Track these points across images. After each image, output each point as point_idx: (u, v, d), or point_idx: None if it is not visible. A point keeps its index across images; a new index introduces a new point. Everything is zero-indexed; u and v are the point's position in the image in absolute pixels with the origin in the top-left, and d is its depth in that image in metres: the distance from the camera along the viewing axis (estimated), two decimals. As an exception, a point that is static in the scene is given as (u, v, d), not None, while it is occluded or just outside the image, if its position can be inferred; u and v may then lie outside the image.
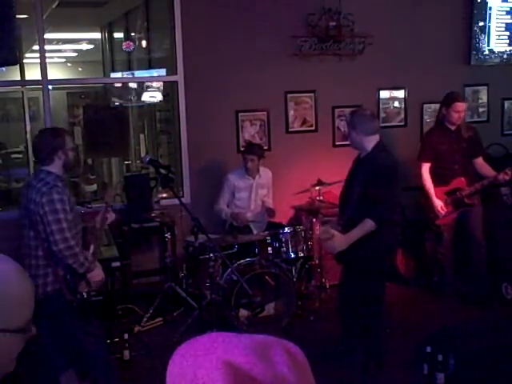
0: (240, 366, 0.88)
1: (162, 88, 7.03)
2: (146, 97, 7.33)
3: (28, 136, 7.60)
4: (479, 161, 5.49)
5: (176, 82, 6.11)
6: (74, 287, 3.46)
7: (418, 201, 5.64)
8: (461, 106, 5.38)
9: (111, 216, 3.84)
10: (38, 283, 3.44)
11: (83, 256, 3.42)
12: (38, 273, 3.45)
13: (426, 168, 5.47)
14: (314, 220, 5.58)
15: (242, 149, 5.93)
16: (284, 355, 0.91)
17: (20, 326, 1.20)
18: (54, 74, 7.43)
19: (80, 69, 11.09)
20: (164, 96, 7.02)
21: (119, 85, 7.85)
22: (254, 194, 5.70)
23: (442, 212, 5.40)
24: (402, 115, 6.82)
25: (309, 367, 0.95)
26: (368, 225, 3.87)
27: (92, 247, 3.64)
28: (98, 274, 3.54)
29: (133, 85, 7.56)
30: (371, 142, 4.03)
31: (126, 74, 7.96)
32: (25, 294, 1.20)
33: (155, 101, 7.24)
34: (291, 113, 6.42)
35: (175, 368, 0.93)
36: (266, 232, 5.41)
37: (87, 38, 9.57)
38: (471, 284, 5.51)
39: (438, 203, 5.40)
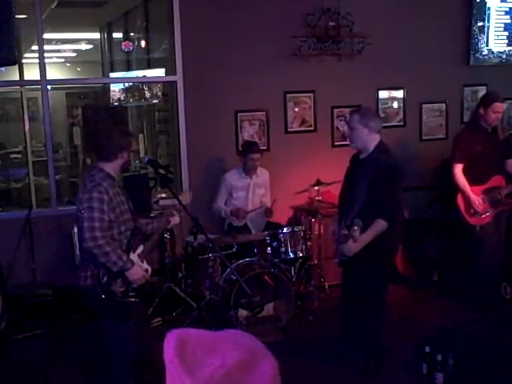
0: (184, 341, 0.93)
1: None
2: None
3: (27, 136, 7.59)
4: (509, 162, 5.30)
5: (175, 82, 6.11)
6: (107, 285, 3.47)
7: (453, 201, 5.36)
8: (500, 106, 5.19)
9: (174, 220, 3.89)
10: (81, 276, 3.52)
11: (116, 255, 3.41)
12: (81, 265, 3.57)
13: (459, 168, 5.24)
14: (313, 220, 5.58)
15: (240, 148, 5.94)
16: (226, 363, 0.92)
17: None
18: (52, 74, 7.42)
19: (79, 69, 11.08)
20: (163, 96, 7.03)
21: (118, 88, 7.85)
22: (252, 193, 5.71)
23: (480, 207, 5.19)
24: (401, 115, 6.83)
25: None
26: (380, 225, 3.87)
27: (141, 247, 3.64)
28: (135, 273, 3.51)
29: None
30: (374, 141, 4.05)
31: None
32: None
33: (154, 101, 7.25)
34: (291, 113, 6.42)
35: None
36: (265, 232, 5.41)
37: (86, 38, 9.57)
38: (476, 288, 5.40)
39: (477, 199, 5.19)
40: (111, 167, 3.53)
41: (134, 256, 3.56)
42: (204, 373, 0.91)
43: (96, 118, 7.86)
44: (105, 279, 3.45)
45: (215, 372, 0.91)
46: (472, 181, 5.21)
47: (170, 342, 0.93)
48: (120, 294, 3.52)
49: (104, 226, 3.38)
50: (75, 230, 3.55)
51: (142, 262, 3.63)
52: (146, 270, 3.64)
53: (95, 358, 3.80)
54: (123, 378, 3.72)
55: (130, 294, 3.56)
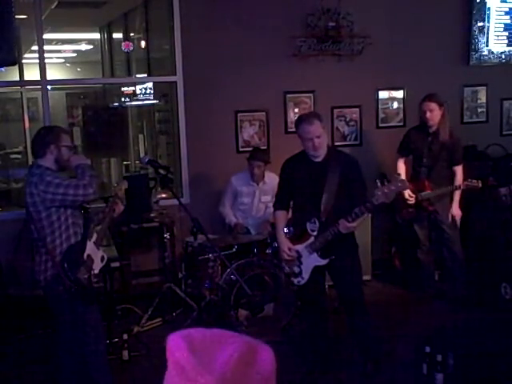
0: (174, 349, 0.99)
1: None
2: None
3: (27, 136, 7.60)
4: (454, 169, 5.32)
5: (175, 83, 6.11)
6: (73, 274, 3.49)
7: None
8: (425, 105, 5.19)
9: (119, 208, 3.93)
10: (40, 270, 3.59)
11: (89, 177, 3.67)
12: (41, 259, 3.61)
13: (399, 162, 5.52)
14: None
15: (242, 149, 5.93)
16: (233, 354, 0.93)
17: None
18: (53, 74, 7.42)
19: (79, 69, 11.09)
20: (163, 96, 7.03)
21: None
22: (257, 200, 5.67)
23: (411, 198, 5.29)
24: (401, 115, 6.82)
25: (272, 374, 0.97)
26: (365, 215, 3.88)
27: (95, 235, 3.69)
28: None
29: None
30: None
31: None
32: None
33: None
34: (293, 114, 6.41)
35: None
36: (266, 232, 5.40)
37: (86, 39, 9.57)
38: (453, 286, 5.52)
39: (407, 192, 5.25)
40: (48, 163, 3.65)
41: (90, 244, 3.62)
42: (216, 365, 0.92)
43: (96, 119, 7.85)
44: (68, 269, 3.48)
45: (227, 362, 0.92)
46: (410, 178, 5.33)
47: (179, 342, 0.94)
48: (85, 281, 3.55)
49: (74, 183, 3.59)
50: (32, 226, 3.61)
51: (98, 249, 3.69)
52: (102, 258, 3.71)
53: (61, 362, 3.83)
54: (101, 364, 3.77)
55: (93, 280, 3.61)
